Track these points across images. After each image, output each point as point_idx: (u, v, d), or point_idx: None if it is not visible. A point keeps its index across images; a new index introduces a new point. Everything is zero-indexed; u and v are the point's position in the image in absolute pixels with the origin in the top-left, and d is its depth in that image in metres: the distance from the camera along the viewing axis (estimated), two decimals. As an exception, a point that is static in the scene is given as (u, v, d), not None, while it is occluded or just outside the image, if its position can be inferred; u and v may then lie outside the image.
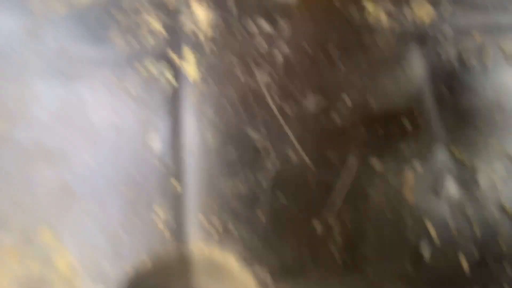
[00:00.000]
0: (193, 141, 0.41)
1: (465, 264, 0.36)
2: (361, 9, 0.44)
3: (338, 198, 0.37)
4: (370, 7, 0.44)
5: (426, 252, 0.36)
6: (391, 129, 0.39)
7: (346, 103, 0.40)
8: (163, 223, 0.38)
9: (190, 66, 0.43)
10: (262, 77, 0.41)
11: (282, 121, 0.40)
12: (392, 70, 0.41)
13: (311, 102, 0.40)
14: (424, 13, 0.44)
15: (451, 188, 0.38)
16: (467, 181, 0.38)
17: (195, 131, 0.40)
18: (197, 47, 0.43)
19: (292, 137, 0.40)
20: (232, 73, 0.42)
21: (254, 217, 0.38)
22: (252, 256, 0.37)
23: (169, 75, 0.43)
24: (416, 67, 0.41)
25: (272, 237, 0.37)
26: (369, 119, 0.39)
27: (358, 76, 0.41)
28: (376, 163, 0.38)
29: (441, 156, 0.39)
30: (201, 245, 0.37)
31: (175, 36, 0.44)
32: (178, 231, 0.38)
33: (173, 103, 0.42)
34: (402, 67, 0.42)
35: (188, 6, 0.45)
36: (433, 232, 0.36)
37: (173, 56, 0.43)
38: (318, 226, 0.37)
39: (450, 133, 0.39)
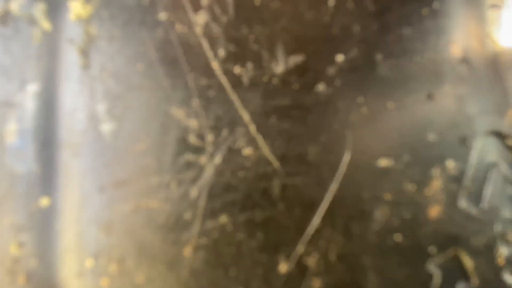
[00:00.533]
0: (79, 126, 0.24)
1: None
2: None
3: (318, 218, 0.22)
4: None
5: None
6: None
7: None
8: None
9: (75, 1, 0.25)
10: (197, 17, 0.24)
11: (230, 92, 0.24)
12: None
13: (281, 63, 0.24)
14: None
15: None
16: None
17: (83, 108, 0.24)
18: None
19: (246, 118, 0.23)
20: (145, 10, 0.25)
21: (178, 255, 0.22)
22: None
23: (40, 14, 0.25)
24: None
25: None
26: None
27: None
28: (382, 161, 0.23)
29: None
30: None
31: None
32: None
33: (46, 59, 0.25)
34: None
35: None
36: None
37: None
38: (284, 265, 0.22)
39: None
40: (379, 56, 0.23)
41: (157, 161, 0.24)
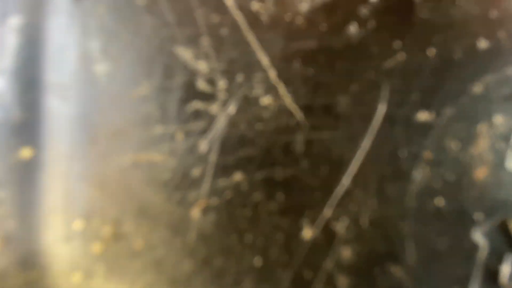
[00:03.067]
0: (69, 67, 0.21)
1: None
2: None
3: (348, 178, 0.19)
4: None
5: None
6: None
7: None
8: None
9: None
10: None
11: (246, 32, 0.21)
12: None
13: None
14: None
15: None
16: None
17: (74, 45, 0.20)
18: None
19: (265, 62, 0.20)
20: None
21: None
22: None
23: None
24: None
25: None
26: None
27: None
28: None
29: None
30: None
31: None
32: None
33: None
34: None
35: None
36: None
37: None
38: (309, 231, 0.19)
39: None
40: (420, -5, 0.20)
41: (160, 108, 0.20)
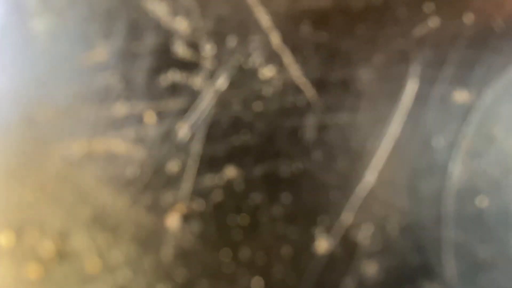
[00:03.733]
0: None
1: None
2: None
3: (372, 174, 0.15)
4: None
5: None
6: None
7: None
8: None
9: None
10: None
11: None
12: None
13: None
14: None
15: None
16: None
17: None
18: None
19: (265, 22, 0.15)
20: None
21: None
22: None
23: None
24: None
25: None
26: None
27: None
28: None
29: None
30: None
31: None
32: None
33: None
34: None
35: None
36: None
37: None
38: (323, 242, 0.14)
39: None
40: None
41: (123, 79, 0.15)
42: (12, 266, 0.14)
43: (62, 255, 0.14)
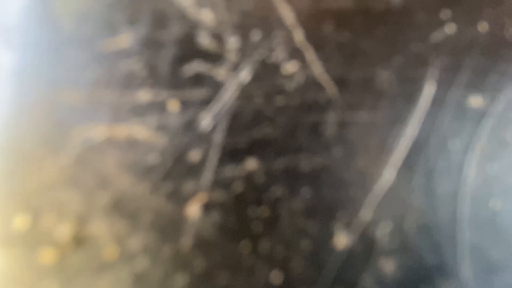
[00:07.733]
0: (16, 5, 0.14)
1: None
2: None
3: (392, 171, 0.15)
4: None
5: None
6: None
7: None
8: None
9: None
10: None
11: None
12: None
13: None
14: None
15: None
16: None
17: None
18: None
19: (289, 20, 0.15)
20: None
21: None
22: None
23: None
24: None
25: None
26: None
27: None
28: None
29: None
30: None
31: None
32: None
33: None
34: None
35: None
36: None
37: None
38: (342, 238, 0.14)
39: None
40: (475, -43, 0.17)
41: (147, 67, 0.15)
42: (26, 250, 0.14)
43: (79, 241, 0.14)
